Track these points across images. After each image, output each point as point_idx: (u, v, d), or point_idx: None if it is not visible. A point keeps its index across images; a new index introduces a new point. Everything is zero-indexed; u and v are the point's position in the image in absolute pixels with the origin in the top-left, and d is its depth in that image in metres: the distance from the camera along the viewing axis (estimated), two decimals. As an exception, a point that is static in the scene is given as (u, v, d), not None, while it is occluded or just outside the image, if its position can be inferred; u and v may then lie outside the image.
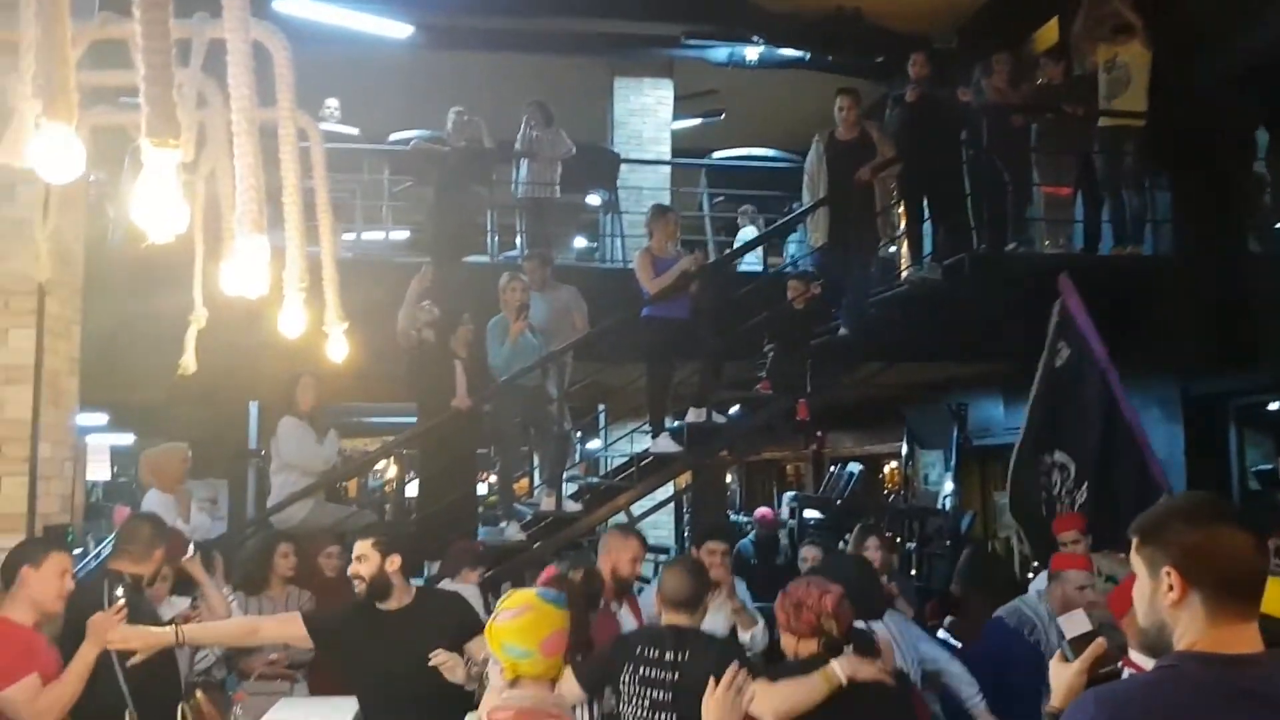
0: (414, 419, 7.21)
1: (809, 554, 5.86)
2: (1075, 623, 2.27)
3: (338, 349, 3.28)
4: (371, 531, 4.06)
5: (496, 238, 9.70)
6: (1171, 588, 1.73)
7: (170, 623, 3.76)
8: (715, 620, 4.70)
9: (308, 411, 6.35)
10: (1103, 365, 6.12)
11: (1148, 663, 1.99)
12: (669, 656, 3.27)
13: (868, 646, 3.12)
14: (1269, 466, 8.90)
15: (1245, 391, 7.55)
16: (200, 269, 2.61)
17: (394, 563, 3.72)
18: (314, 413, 6.39)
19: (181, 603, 4.38)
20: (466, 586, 5.76)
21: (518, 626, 2.32)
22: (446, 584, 5.85)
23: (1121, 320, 7.22)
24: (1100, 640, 2.11)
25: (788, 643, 3.20)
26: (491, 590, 5.62)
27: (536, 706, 2.29)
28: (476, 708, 4.99)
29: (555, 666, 2.39)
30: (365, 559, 3.72)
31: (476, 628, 3.75)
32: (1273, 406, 8.53)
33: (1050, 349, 6.35)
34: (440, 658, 3.55)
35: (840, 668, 2.92)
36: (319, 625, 3.83)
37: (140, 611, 3.75)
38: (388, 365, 6.80)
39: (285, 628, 3.95)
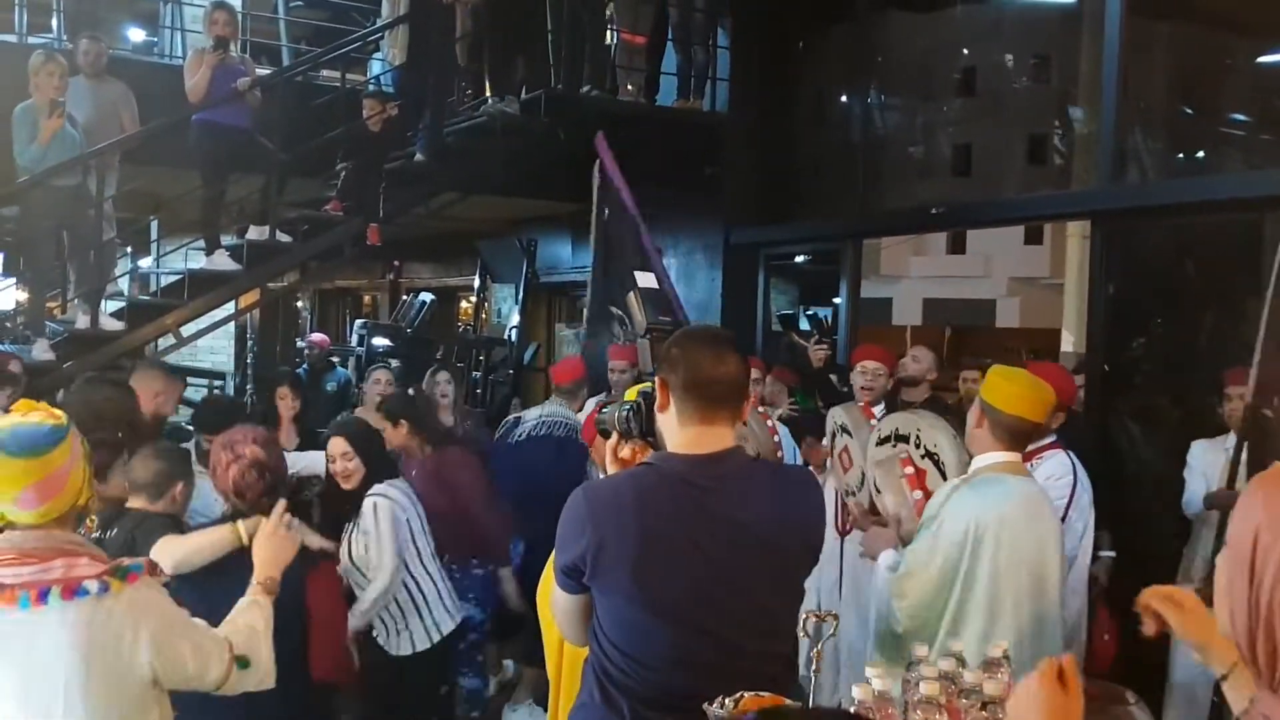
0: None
1: (381, 375, 6.16)
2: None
3: None
4: None
5: (25, 15, 8.33)
6: (660, 395, 2.04)
7: None
8: None
9: None
10: (633, 215, 6.26)
11: None
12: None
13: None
14: (789, 311, 10.20)
15: (777, 243, 8.42)
16: None
17: None
18: None
19: None
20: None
21: None
22: None
23: (677, 169, 7.77)
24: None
25: None
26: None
27: (49, 545, 2.00)
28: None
29: (60, 506, 2.01)
30: None
31: None
32: (799, 259, 9.68)
33: (597, 208, 6.40)
34: None
35: (245, 527, 2.97)
36: None
37: None
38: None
39: None
